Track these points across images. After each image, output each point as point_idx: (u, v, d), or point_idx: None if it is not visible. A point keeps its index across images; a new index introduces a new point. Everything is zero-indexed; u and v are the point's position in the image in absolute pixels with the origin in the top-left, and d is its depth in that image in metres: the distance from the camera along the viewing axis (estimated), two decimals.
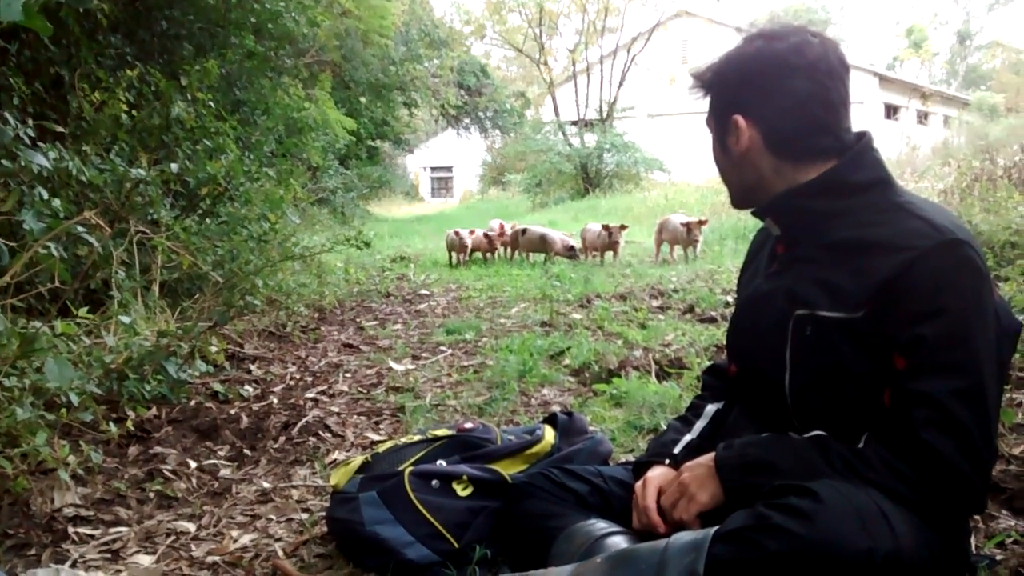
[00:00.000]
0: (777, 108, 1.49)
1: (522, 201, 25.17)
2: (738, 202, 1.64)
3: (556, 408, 3.09)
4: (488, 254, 9.98)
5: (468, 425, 2.20)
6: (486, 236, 9.76)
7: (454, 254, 9.61)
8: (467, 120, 30.20)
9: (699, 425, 1.82)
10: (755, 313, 1.61)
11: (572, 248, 9.29)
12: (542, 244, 9.52)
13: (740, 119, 1.51)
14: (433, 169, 45.31)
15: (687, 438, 1.77)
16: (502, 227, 10.13)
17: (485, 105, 28.85)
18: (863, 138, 1.52)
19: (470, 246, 9.49)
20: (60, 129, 3.92)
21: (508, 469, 2.03)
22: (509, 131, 30.04)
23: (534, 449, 2.10)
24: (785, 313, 1.48)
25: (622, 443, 2.68)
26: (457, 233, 9.43)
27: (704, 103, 1.64)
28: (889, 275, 1.35)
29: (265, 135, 6.83)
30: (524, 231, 9.80)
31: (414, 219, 23.52)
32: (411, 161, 41.19)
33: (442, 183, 45.91)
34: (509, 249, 10.14)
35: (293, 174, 6.05)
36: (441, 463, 2.00)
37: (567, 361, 3.98)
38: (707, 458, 1.52)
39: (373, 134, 23.01)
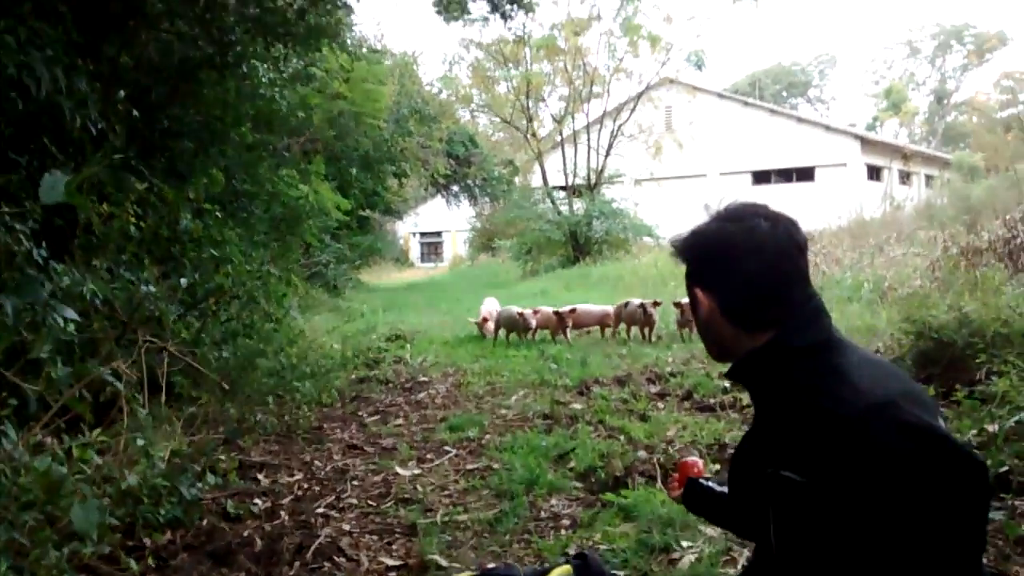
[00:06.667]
0: (728, 284, 1.62)
1: (513, 268, 25.32)
2: (715, 358, 1.77)
3: (566, 522, 3.14)
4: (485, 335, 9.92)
5: (491, 566, 2.24)
6: (483, 320, 9.83)
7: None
8: (456, 188, 30.53)
9: None
10: (740, 466, 1.68)
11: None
12: (644, 315, 9.28)
13: (699, 292, 1.66)
14: (423, 234, 45.65)
15: None
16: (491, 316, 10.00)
17: (474, 174, 29.20)
18: (811, 301, 1.59)
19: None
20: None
21: None
22: (498, 198, 30.34)
23: (558, 571, 2.10)
24: (759, 470, 1.52)
25: (635, 565, 2.72)
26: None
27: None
28: (822, 446, 1.38)
29: (262, 223, 6.92)
30: (627, 304, 9.54)
31: (405, 286, 23.59)
32: (400, 226, 41.43)
33: (431, 248, 46.23)
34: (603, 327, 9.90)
35: (290, 250, 6.12)
36: None
37: (572, 464, 4.02)
38: None
39: (364, 204, 23.18)
